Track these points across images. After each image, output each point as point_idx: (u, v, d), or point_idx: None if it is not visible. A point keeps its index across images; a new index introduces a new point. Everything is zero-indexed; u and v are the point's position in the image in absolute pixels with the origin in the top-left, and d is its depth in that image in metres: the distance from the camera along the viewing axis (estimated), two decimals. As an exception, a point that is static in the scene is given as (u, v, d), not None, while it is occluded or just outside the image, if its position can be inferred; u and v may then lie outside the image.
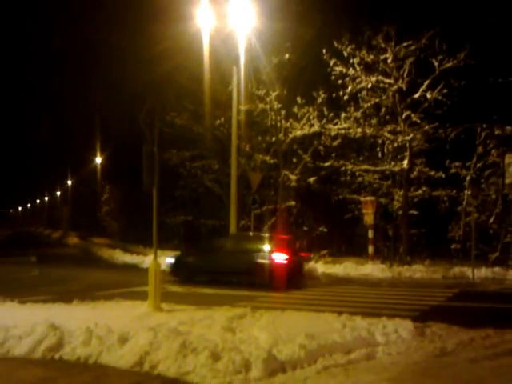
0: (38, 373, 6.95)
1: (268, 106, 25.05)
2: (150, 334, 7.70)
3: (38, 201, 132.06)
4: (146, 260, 20.65)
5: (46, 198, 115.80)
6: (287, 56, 24.42)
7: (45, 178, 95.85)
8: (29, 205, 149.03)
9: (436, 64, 21.60)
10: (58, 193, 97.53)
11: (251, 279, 16.27)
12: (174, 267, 18.27)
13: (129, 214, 45.08)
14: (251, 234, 20.19)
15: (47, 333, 8.10)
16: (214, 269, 17.08)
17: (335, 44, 22.39)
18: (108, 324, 8.46)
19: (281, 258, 16.17)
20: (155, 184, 11.10)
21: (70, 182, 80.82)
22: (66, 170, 78.44)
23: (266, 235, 18.43)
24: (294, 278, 16.39)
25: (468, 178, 23.14)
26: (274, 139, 25.84)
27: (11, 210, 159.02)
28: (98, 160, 57.67)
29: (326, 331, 8.20)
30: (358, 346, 7.70)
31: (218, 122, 26.61)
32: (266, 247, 16.59)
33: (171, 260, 18.63)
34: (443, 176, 23.22)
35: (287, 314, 9.97)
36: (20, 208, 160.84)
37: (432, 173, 23.47)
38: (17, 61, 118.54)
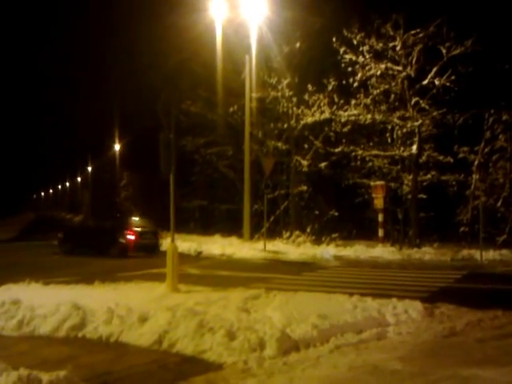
0: (63, 350, 7.14)
1: (280, 94, 25.29)
2: (168, 314, 7.90)
3: (59, 186, 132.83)
4: (164, 243, 21.06)
5: (68, 184, 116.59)
6: (298, 44, 24.69)
7: (66, 165, 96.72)
8: (51, 190, 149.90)
9: (444, 51, 21.62)
10: (79, 179, 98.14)
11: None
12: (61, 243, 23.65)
13: (147, 198, 45.37)
14: None
15: (70, 312, 8.32)
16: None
17: (345, 32, 22.48)
18: (128, 304, 8.67)
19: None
20: (172, 170, 11.29)
21: (90, 168, 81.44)
22: (87, 157, 79.14)
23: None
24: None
25: (476, 162, 23.11)
26: (285, 126, 26.12)
27: (34, 196, 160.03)
28: (117, 147, 58.18)
29: (338, 311, 8.35)
30: (369, 326, 7.85)
31: (231, 109, 26.95)
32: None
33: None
34: (451, 161, 23.26)
35: (300, 295, 10.01)
36: (42, 193, 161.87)
37: (441, 157, 23.52)
38: (41, 50, 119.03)
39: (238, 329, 7.26)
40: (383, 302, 9.17)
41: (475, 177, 23.06)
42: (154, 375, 6.21)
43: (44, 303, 9.02)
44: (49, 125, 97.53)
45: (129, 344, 7.43)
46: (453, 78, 21.71)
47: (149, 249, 22.09)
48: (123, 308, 8.51)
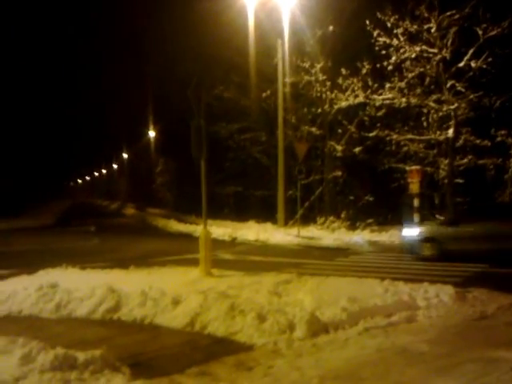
0: (98, 332, 7.42)
1: (313, 78, 25.07)
2: (200, 297, 8.10)
3: (96, 174, 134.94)
4: (199, 229, 21.27)
5: (104, 171, 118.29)
6: (331, 28, 24.41)
7: (102, 152, 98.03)
8: (87, 177, 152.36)
9: (480, 32, 21.08)
10: (115, 165, 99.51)
11: None
12: None
13: (182, 185, 45.68)
14: None
15: (106, 295, 8.60)
16: None
17: (378, 15, 22.11)
18: (162, 288, 8.87)
19: None
20: (203, 156, 11.42)
21: (125, 155, 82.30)
22: (122, 144, 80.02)
23: None
24: None
25: (514, 145, 22.80)
26: (319, 110, 25.94)
27: (71, 183, 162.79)
28: (152, 133, 58.60)
29: (368, 295, 8.42)
30: (399, 310, 7.87)
31: (264, 94, 26.88)
32: None
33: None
34: (489, 144, 22.81)
35: (331, 280, 10.09)
36: (79, 181, 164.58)
37: (478, 141, 23.09)
38: (79, 37, 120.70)
39: (268, 311, 7.41)
40: (414, 286, 9.16)
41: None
42: (186, 355, 6.38)
43: (80, 287, 9.29)
44: (84, 113, 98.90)
45: (162, 326, 7.65)
46: (489, 59, 21.23)
47: None
48: (157, 291, 8.71)
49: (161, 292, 8.68)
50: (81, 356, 5.50)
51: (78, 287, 9.28)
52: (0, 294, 9.38)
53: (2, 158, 49.44)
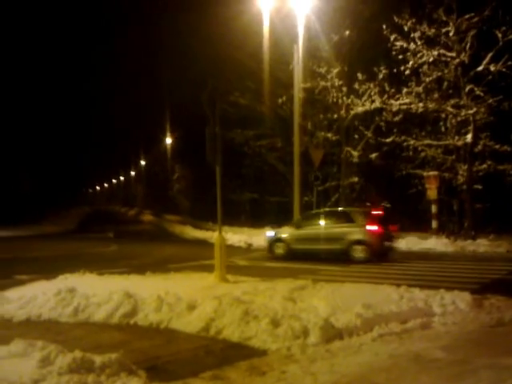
0: (115, 336, 7.51)
1: (329, 83, 25.07)
2: (215, 302, 8.10)
3: (114, 181, 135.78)
4: (215, 235, 21.29)
5: (122, 178, 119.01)
6: (347, 33, 24.42)
7: (120, 159, 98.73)
8: (106, 185, 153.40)
9: (499, 35, 20.99)
10: (133, 173, 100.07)
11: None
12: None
13: (198, 191, 46.00)
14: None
15: (123, 300, 8.66)
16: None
17: (395, 19, 22.08)
18: (177, 293, 8.91)
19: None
20: (218, 163, 11.44)
21: (143, 162, 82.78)
22: (139, 151, 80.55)
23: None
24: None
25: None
26: (335, 116, 25.96)
27: (90, 190, 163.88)
28: (168, 140, 58.85)
29: (383, 302, 8.35)
30: (414, 316, 7.80)
31: (280, 100, 26.94)
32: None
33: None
34: (508, 149, 22.64)
35: (346, 286, 10.03)
36: (98, 187, 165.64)
37: (497, 146, 22.92)
38: (96, 43, 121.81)
39: (282, 317, 7.41)
40: (430, 292, 9.08)
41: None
42: (201, 359, 6.44)
43: (98, 292, 9.38)
44: (103, 120, 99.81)
45: (177, 331, 7.72)
46: (509, 63, 21.12)
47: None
48: (172, 296, 8.77)
49: (176, 297, 8.73)
50: (98, 359, 5.56)
51: (96, 292, 9.37)
52: (20, 298, 9.49)
53: (23, 164, 50.10)
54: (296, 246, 17.63)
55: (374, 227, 16.52)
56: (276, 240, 18.22)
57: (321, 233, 17.14)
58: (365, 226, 16.52)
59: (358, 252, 16.40)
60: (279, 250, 17.97)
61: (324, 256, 16.78)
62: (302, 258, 16.86)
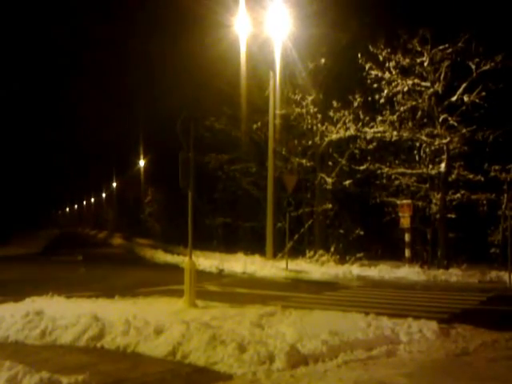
0: (82, 359, 7.50)
1: (304, 110, 25.30)
2: (182, 327, 8.11)
3: (84, 202, 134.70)
4: (186, 260, 21.11)
5: (93, 200, 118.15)
6: (323, 61, 24.75)
7: (91, 181, 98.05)
8: (76, 206, 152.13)
9: (473, 67, 21.29)
10: (104, 195, 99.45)
11: None
12: None
13: (170, 215, 45.84)
14: None
15: (90, 323, 8.64)
16: None
17: (371, 48, 22.34)
18: (145, 317, 8.92)
19: None
20: (191, 188, 11.50)
21: (114, 185, 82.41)
22: (111, 173, 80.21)
23: None
24: None
25: (508, 181, 22.69)
26: (310, 143, 26.10)
27: (59, 212, 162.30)
28: (142, 163, 58.76)
29: (350, 329, 8.40)
30: (380, 344, 7.86)
31: (255, 126, 27.10)
32: None
33: None
34: (482, 179, 22.67)
35: (315, 313, 10.10)
36: (67, 209, 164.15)
37: (471, 176, 22.93)
38: (71, 70, 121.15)
39: (249, 342, 7.45)
40: (398, 321, 9.14)
41: (507, 196, 22.57)
42: (167, 383, 6.52)
43: (65, 315, 9.39)
44: (73, 141, 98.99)
45: (144, 354, 7.74)
46: (483, 94, 21.41)
47: None
48: (140, 320, 8.76)
49: (144, 321, 8.71)
50: (64, 380, 5.71)
51: (63, 315, 9.37)
52: (-14, 320, 9.41)
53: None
54: None
55: None
56: None
57: None
58: None
59: None
60: None
61: None
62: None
